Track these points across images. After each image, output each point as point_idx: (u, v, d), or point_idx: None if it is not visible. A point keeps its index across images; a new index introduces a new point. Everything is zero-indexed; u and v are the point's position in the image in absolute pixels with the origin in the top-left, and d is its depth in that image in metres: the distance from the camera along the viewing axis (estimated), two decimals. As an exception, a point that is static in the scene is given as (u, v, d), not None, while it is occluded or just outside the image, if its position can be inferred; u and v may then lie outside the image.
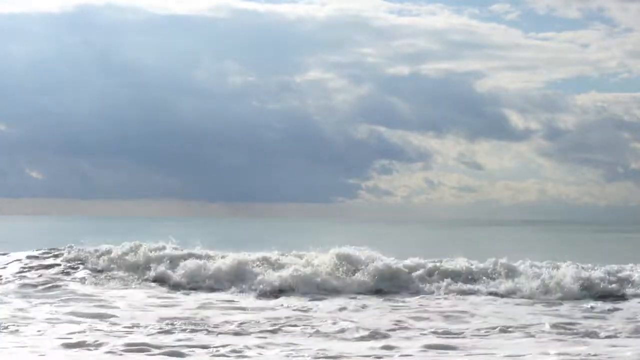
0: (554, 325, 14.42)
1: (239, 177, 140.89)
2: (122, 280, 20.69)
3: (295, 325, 14.23)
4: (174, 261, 21.38)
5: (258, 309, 16.55)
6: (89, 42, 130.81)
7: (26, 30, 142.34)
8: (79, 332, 13.19)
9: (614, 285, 19.39)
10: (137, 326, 13.96)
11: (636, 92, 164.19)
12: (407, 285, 19.76)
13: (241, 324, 14.30)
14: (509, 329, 14.04)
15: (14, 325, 13.85)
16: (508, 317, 15.64)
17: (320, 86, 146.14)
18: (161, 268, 21.02)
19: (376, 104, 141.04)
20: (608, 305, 17.38)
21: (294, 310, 16.41)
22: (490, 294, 18.95)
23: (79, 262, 22.61)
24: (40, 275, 21.32)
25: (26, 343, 12.29)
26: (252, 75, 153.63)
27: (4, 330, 13.32)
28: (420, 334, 13.60)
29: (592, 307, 17.11)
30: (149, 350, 11.86)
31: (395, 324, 14.51)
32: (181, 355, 11.57)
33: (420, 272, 20.26)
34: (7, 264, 22.75)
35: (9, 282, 20.48)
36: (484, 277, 19.93)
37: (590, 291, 19.04)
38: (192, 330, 13.59)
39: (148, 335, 13.13)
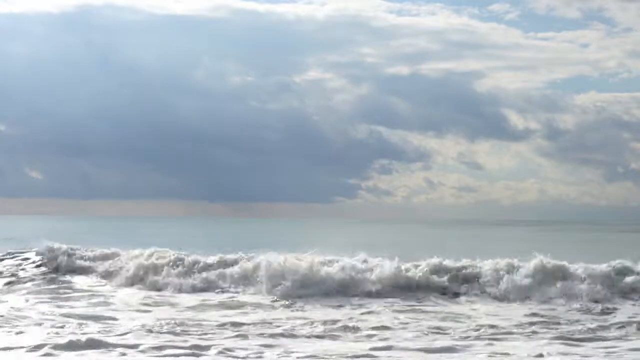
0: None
1: (239, 177, 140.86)
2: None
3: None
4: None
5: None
6: (89, 42, 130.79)
7: (26, 30, 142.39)
8: None
9: None
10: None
11: (636, 92, 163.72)
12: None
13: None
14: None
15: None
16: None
17: (319, 86, 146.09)
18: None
19: (376, 104, 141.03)
20: None
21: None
22: None
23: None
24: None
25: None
26: (251, 75, 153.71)
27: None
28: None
29: None
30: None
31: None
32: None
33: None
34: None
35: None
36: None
37: None
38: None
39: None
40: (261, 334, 13.55)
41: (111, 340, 12.58)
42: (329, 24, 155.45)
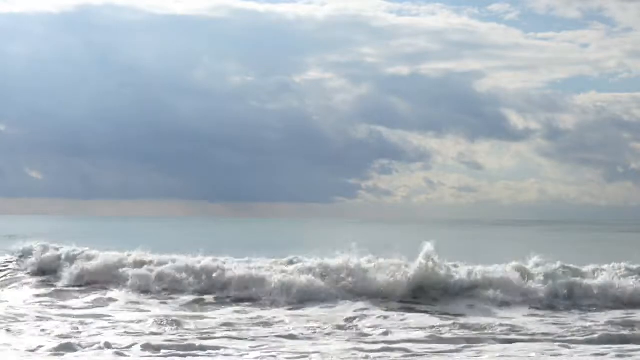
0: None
1: (239, 177, 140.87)
2: None
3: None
4: None
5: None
6: (89, 42, 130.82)
7: (26, 30, 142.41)
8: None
9: None
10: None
11: (636, 92, 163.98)
12: None
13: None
14: None
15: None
16: None
17: (319, 86, 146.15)
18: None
19: (376, 104, 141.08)
20: None
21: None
22: None
23: None
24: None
25: None
26: (251, 75, 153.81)
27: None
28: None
29: None
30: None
31: None
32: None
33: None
34: None
35: None
36: None
37: None
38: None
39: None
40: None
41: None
42: (329, 24, 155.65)
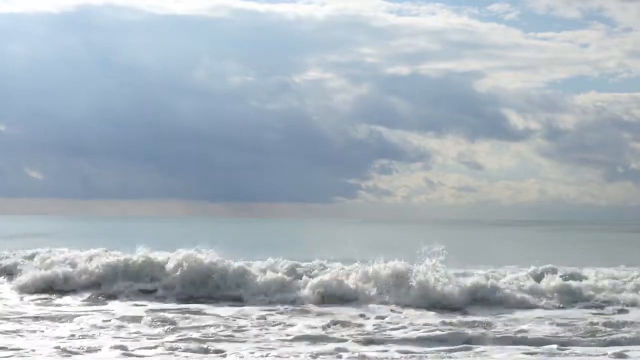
0: None
1: (239, 177, 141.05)
2: None
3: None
4: None
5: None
6: (89, 43, 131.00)
7: (26, 30, 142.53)
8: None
9: None
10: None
11: (636, 92, 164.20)
12: None
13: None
14: None
15: None
16: None
17: (319, 86, 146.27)
18: None
19: (376, 104, 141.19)
20: None
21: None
22: None
23: None
24: None
25: None
26: (251, 75, 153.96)
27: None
28: None
29: None
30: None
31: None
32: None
33: None
34: None
35: None
36: None
37: None
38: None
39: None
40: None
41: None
42: (329, 24, 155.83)
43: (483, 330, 13.80)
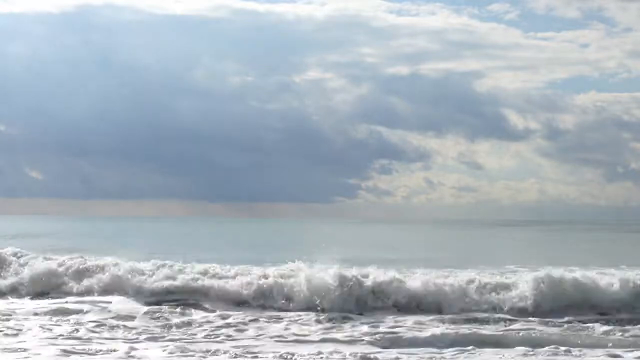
0: None
1: (239, 177, 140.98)
2: None
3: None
4: None
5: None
6: (89, 43, 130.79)
7: (26, 30, 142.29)
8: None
9: None
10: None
11: (636, 92, 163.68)
12: None
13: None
14: None
15: None
16: None
17: (319, 86, 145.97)
18: None
19: (376, 104, 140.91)
20: None
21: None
22: None
23: None
24: None
25: None
26: (251, 75, 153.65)
27: None
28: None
29: None
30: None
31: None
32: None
33: None
34: None
35: None
36: None
37: None
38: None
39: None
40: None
41: None
42: (329, 23, 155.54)
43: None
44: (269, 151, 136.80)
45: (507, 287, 16.90)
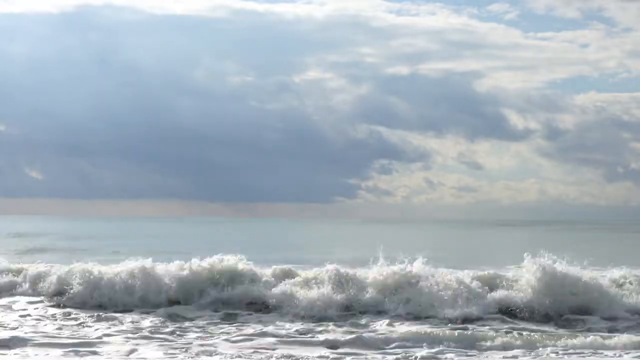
0: None
1: (239, 177, 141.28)
2: None
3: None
4: None
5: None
6: (88, 43, 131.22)
7: (26, 30, 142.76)
8: None
9: None
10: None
11: (635, 92, 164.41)
12: None
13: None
14: None
15: None
16: None
17: (319, 86, 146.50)
18: None
19: (375, 104, 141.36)
20: None
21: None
22: None
23: None
24: None
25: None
26: (251, 75, 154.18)
27: None
28: None
29: None
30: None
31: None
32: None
33: None
34: None
35: None
36: None
37: None
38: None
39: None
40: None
41: None
42: (329, 23, 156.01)
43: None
44: (269, 151, 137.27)
45: (506, 287, 16.88)
